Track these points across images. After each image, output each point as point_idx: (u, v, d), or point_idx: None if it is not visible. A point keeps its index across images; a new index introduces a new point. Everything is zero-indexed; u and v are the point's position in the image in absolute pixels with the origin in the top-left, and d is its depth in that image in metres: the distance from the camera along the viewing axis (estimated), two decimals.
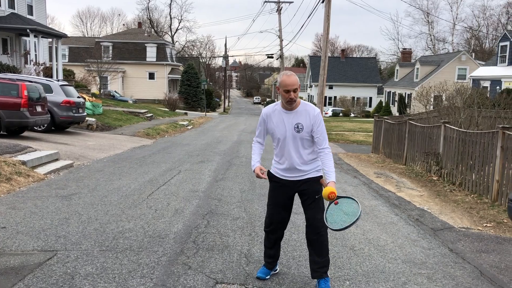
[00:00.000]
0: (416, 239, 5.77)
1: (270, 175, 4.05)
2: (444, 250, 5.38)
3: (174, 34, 76.04)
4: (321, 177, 3.91)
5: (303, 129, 3.79)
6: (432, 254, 5.19)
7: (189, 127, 24.87)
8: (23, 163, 8.52)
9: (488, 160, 8.31)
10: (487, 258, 5.18)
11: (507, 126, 8.18)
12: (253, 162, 4.01)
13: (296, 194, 3.99)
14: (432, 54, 58.40)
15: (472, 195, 8.50)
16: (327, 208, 3.68)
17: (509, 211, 4.87)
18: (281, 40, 42.14)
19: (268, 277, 4.13)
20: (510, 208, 4.78)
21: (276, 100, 67.50)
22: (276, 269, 4.27)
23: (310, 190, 3.86)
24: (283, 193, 3.96)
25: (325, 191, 3.62)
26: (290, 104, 3.78)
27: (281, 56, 43.30)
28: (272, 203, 4.02)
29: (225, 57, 62.53)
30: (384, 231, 6.02)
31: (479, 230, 6.43)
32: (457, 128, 9.97)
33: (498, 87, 26.18)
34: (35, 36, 22.32)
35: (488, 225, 6.67)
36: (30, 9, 24.40)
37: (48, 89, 14.21)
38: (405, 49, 57.19)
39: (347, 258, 4.84)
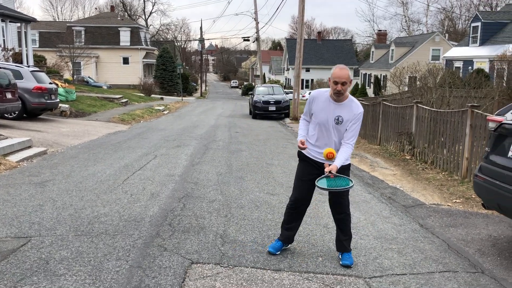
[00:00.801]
0: (388, 216, 5.94)
1: (301, 154, 4.26)
2: (415, 226, 5.56)
3: (148, 17, 74.82)
4: (349, 165, 4.15)
5: (343, 123, 3.98)
6: (403, 230, 5.36)
7: (165, 112, 24.67)
8: None
9: (458, 139, 8.55)
10: (455, 232, 5.38)
11: (476, 105, 8.41)
12: (298, 136, 4.27)
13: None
14: (407, 35, 58.98)
15: (443, 173, 8.74)
16: (322, 176, 3.91)
17: (475, 187, 5.05)
18: (257, 23, 41.92)
19: (278, 253, 4.34)
20: (476, 183, 4.96)
21: (254, 83, 67.35)
22: (288, 245, 4.48)
23: (337, 172, 4.03)
24: (311, 173, 4.16)
25: (325, 151, 3.94)
26: (337, 96, 3.94)
27: (257, 39, 43.12)
28: (299, 181, 4.25)
29: (201, 40, 61.88)
30: (357, 209, 6.17)
31: (449, 206, 6.65)
32: (428, 108, 10.18)
33: (470, 67, 26.70)
34: (2, 21, 21.62)
35: (457, 201, 6.90)
36: None
37: (18, 75, 13.86)
38: (380, 30, 57.58)
39: (320, 236, 4.96)
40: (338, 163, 3.91)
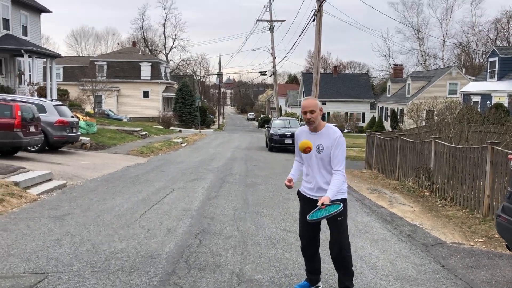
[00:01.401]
0: (407, 255, 5.81)
1: (299, 193, 4.36)
2: (436, 266, 5.42)
3: (169, 52, 76.61)
4: (345, 200, 4.10)
5: (323, 150, 4.05)
6: (424, 270, 5.22)
7: (183, 145, 24.90)
8: (16, 184, 8.51)
9: (478, 175, 8.40)
10: (478, 273, 5.22)
11: (496, 141, 8.30)
12: (289, 175, 4.34)
13: None
14: (423, 69, 59.05)
15: (464, 210, 8.56)
16: (314, 210, 3.87)
17: (498, 227, 4.92)
18: (274, 58, 42.57)
19: None
20: (499, 223, 4.84)
21: (270, 116, 67.80)
22: (319, 286, 4.40)
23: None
24: (308, 211, 4.10)
25: (300, 144, 4.05)
26: (309, 125, 4.09)
27: (274, 73, 43.67)
28: (302, 220, 4.27)
29: (219, 74, 62.92)
30: (376, 247, 6.06)
31: (471, 245, 6.48)
32: (447, 144, 10.08)
33: (488, 102, 26.49)
34: (29, 57, 22.41)
35: (479, 240, 6.72)
36: (25, 29, 24.55)
37: (42, 109, 14.24)
38: (397, 65, 57.78)
39: None
40: (330, 193, 3.90)
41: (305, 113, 4.07)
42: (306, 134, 4.20)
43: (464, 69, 48.71)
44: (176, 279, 4.49)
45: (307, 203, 4.20)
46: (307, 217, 3.88)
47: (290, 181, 4.22)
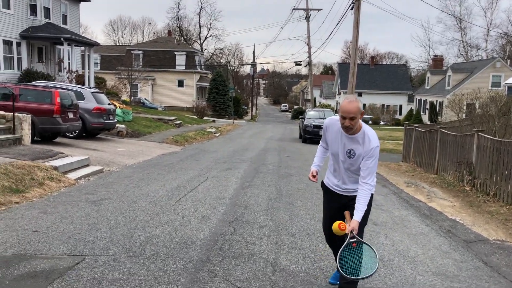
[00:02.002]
0: (448, 251, 5.59)
1: (323, 186, 4.07)
2: (478, 263, 5.19)
3: (203, 42, 76.97)
4: (372, 195, 3.77)
5: (354, 157, 3.67)
6: (465, 267, 5.01)
7: (217, 134, 25.01)
8: (55, 168, 8.72)
9: None
10: None
11: None
12: (312, 165, 4.05)
13: None
14: (465, 61, 57.09)
15: (508, 206, 8.19)
16: (344, 245, 3.48)
17: None
18: (310, 47, 42.07)
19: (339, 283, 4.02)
20: None
21: (304, 107, 67.29)
22: None
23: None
24: (334, 204, 3.95)
25: (334, 226, 3.55)
26: (346, 131, 3.64)
27: (309, 64, 43.22)
28: (326, 214, 4.06)
29: (253, 64, 62.83)
30: (415, 242, 5.86)
31: None
32: (491, 137, 9.65)
33: None
34: (68, 45, 22.96)
35: None
36: (64, 18, 25.14)
37: (80, 96, 14.55)
38: (437, 56, 56.08)
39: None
40: (358, 216, 3.53)
41: (344, 118, 3.55)
42: (338, 131, 3.73)
43: (509, 61, 46.74)
44: (210, 266, 4.46)
45: (332, 195, 3.94)
46: (338, 265, 3.44)
47: (314, 176, 3.90)
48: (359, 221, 3.53)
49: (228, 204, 7.27)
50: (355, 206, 3.60)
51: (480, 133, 10.04)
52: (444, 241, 6.02)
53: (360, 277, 3.41)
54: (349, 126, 3.56)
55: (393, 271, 4.71)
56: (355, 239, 3.47)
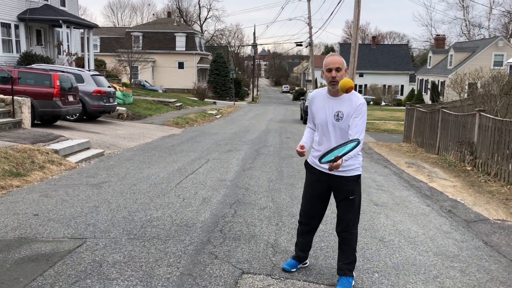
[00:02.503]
0: (448, 231, 5.60)
1: (307, 165, 3.91)
2: (478, 243, 5.20)
3: (203, 23, 76.24)
4: (359, 176, 3.70)
5: (343, 118, 3.55)
6: (466, 247, 5.02)
7: (218, 116, 24.95)
8: (56, 151, 8.71)
9: None
10: None
11: None
12: (300, 142, 3.85)
13: None
14: (467, 40, 56.52)
15: (508, 186, 8.18)
16: (326, 152, 3.40)
17: None
18: (311, 28, 41.63)
19: (294, 270, 4.01)
20: None
21: (305, 88, 66.99)
22: (306, 263, 4.14)
23: (345, 188, 3.67)
24: (318, 185, 3.81)
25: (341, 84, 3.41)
26: (333, 86, 3.55)
27: (310, 44, 42.83)
28: (306, 194, 3.92)
29: (254, 45, 62.33)
30: (415, 222, 5.87)
31: None
32: (493, 117, 9.60)
33: None
34: (67, 27, 22.74)
35: None
36: (62, 0, 24.85)
37: (80, 79, 14.47)
38: (439, 35, 55.48)
39: (376, 250, 4.73)
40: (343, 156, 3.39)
41: (329, 70, 3.50)
42: (323, 99, 3.67)
43: (511, 39, 46.26)
44: (211, 248, 4.48)
45: (316, 173, 3.76)
46: (319, 160, 3.38)
47: (302, 147, 3.69)
48: (342, 161, 3.36)
49: (229, 186, 7.27)
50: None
51: (481, 113, 9.99)
52: (444, 221, 6.03)
53: (341, 153, 3.31)
54: (336, 78, 3.51)
55: (393, 251, 4.73)
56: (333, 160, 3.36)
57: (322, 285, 3.80)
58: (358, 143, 3.38)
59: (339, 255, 3.83)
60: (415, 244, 5.00)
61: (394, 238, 5.16)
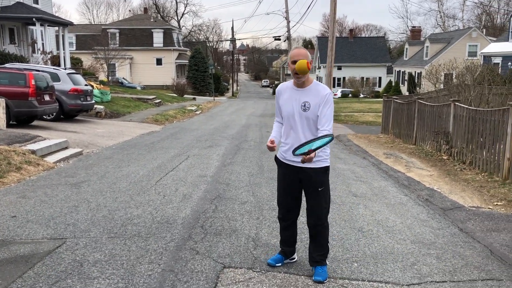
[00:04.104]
0: (425, 219, 5.73)
1: (276, 159, 3.97)
2: (454, 230, 5.34)
3: (180, 18, 75.64)
4: (327, 168, 3.76)
5: (310, 108, 3.63)
6: (442, 234, 5.15)
7: (198, 112, 24.86)
8: (33, 152, 8.58)
9: (499, 138, 8.20)
10: (498, 237, 5.14)
11: None
12: (270, 137, 3.87)
13: None
14: (442, 31, 57.39)
15: (483, 174, 8.41)
16: (300, 145, 3.47)
17: None
18: (288, 22, 41.67)
19: (280, 264, 4.04)
20: None
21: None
22: (294, 258, 4.16)
23: (313, 180, 3.73)
24: (288, 178, 3.86)
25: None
26: (297, 79, 3.64)
27: (288, 38, 42.89)
28: (280, 189, 3.97)
29: (232, 40, 62.13)
30: (393, 211, 5.99)
31: (490, 209, 6.37)
32: (467, 106, 9.82)
33: (510, 63, 25.69)
34: (41, 25, 22.30)
35: (498, 203, 6.61)
36: None
37: (56, 78, 14.24)
38: (414, 27, 56.16)
39: (355, 240, 4.82)
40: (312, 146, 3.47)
41: (294, 62, 3.58)
42: (290, 91, 3.75)
43: (484, 30, 47.17)
44: (192, 244, 4.50)
45: (285, 170, 3.83)
46: (293, 152, 3.44)
47: (272, 142, 3.72)
48: (315, 153, 3.44)
49: (209, 182, 7.28)
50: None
51: (456, 103, 10.21)
52: (422, 210, 6.17)
53: (318, 146, 3.40)
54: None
55: (372, 240, 4.82)
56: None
57: (302, 277, 3.86)
58: (332, 138, 3.47)
59: (312, 247, 3.88)
60: (393, 233, 5.11)
61: (372, 228, 5.26)
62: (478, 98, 11.69)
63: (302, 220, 5.31)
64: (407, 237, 5.00)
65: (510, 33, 28.39)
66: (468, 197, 7.03)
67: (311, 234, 3.89)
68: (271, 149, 3.73)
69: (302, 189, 3.89)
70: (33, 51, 23.79)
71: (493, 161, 8.28)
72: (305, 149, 3.40)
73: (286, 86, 3.84)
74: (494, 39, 36.15)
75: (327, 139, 3.44)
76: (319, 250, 3.84)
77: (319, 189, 3.73)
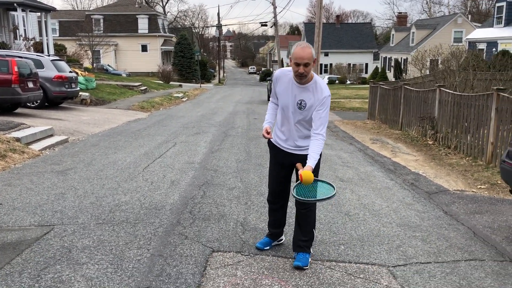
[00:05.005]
0: (411, 202, 5.83)
1: (270, 143, 3.95)
2: (439, 213, 5.45)
3: (166, 4, 74.63)
4: (319, 162, 3.75)
5: (305, 108, 3.60)
6: (427, 217, 5.25)
7: (184, 99, 24.71)
8: (17, 139, 8.47)
9: (483, 123, 8.32)
10: (481, 219, 5.25)
11: (502, 88, 8.16)
12: (264, 122, 3.86)
13: None
14: (428, 17, 57.62)
15: (467, 158, 8.54)
16: (297, 183, 3.50)
17: (503, 173, 4.89)
18: (275, 7, 41.48)
19: (268, 248, 4.08)
20: (503, 169, 4.81)
21: (271, 69, 66.92)
22: (282, 239, 4.20)
23: (305, 165, 3.67)
24: (281, 163, 3.87)
25: (301, 173, 3.48)
26: (299, 79, 3.55)
27: (275, 24, 42.70)
28: (272, 172, 3.98)
29: (219, 26, 61.60)
30: (379, 196, 6.07)
31: (473, 192, 6.49)
32: (452, 92, 9.93)
33: (494, 49, 25.95)
34: (23, 10, 21.84)
35: (482, 186, 6.74)
36: None
37: (39, 65, 14.01)
38: (401, 13, 56.30)
39: (342, 224, 4.89)
40: (312, 163, 3.48)
41: (297, 64, 3.46)
42: (288, 82, 3.65)
43: (469, 16, 47.47)
44: (181, 229, 4.52)
45: (280, 152, 3.83)
46: (292, 191, 3.41)
47: (268, 132, 3.70)
48: (313, 167, 3.49)
49: (197, 168, 7.29)
50: (308, 154, 3.56)
51: (441, 88, 10.31)
52: (407, 194, 6.26)
53: (317, 198, 3.42)
54: (303, 73, 3.50)
55: (358, 224, 4.90)
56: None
57: (290, 259, 3.91)
58: (334, 193, 3.44)
59: (297, 231, 3.86)
60: (379, 216, 5.19)
61: (359, 211, 5.34)
62: (463, 83, 11.82)
63: (290, 204, 5.36)
64: (393, 220, 5.09)
65: (495, 19, 28.62)
66: (453, 181, 7.15)
67: (297, 218, 3.87)
68: (268, 138, 3.73)
69: (293, 173, 3.91)
70: (15, 38, 23.30)
71: (477, 146, 8.42)
72: (304, 195, 3.43)
73: (285, 74, 3.71)
74: (479, 25, 36.42)
75: (329, 192, 3.45)
76: (304, 235, 3.80)
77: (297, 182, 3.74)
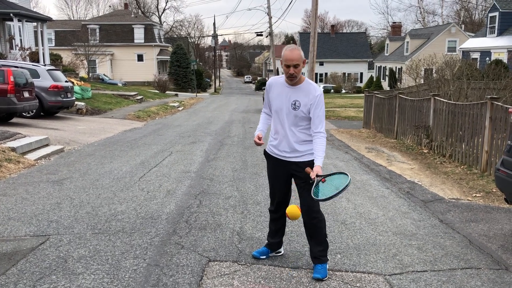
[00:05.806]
0: (406, 211, 5.84)
1: (265, 153, 3.99)
2: (434, 221, 5.46)
3: (162, 14, 74.98)
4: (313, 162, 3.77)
5: (300, 107, 3.67)
6: (423, 226, 5.26)
7: (180, 109, 24.73)
8: (13, 149, 8.45)
9: (477, 131, 8.38)
10: (476, 227, 5.27)
11: (496, 97, 8.23)
12: (256, 130, 3.92)
13: None
14: (422, 27, 58.11)
15: (462, 166, 8.59)
16: (314, 185, 3.57)
17: (497, 181, 4.93)
18: (270, 17, 41.74)
19: (264, 257, 4.07)
20: (498, 177, 4.84)
21: (267, 78, 67.15)
22: (280, 251, 4.19)
23: (304, 173, 3.75)
24: (278, 173, 3.89)
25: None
26: (290, 80, 3.67)
27: (270, 34, 42.93)
28: (270, 182, 4.00)
29: (214, 36, 61.86)
30: (375, 204, 6.09)
31: (469, 200, 6.52)
32: (446, 101, 10.00)
33: (487, 58, 26.20)
34: (19, 21, 21.87)
35: (477, 195, 6.77)
36: None
37: (35, 74, 14.01)
38: (395, 22, 56.80)
39: (339, 232, 4.90)
40: (319, 161, 3.59)
41: (287, 66, 3.59)
42: (281, 87, 3.75)
43: (463, 26, 47.94)
44: (177, 238, 4.51)
45: (275, 164, 3.87)
46: (313, 195, 3.48)
47: (259, 138, 3.76)
48: (320, 165, 3.58)
49: (193, 178, 7.29)
50: (314, 154, 3.67)
51: (436, 97, 10.38)
52: (403, 202, 6.28)
53: (338, 191, 3.46)
54: (294, 74, 3.61)
55: (354, 233, 4.90)
56: (322, 177, 3.56)
57: (287, 269, 3.91)
58: (349, 179, 3.53)
59: (311, 244, 3.87)
60: (375, 225, 5.20)
61: (355, 220, 5.35)
62: (457, 92, 11.91)
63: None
64: (389, 228, 5.10)
65: (488, 28, 28.91)
66: (448, 189, 7.18)
67: (307, 230, 3.87)
68: (258, 145, 3.77)
69: (292, 182, 3.93)
70: (11, 47, 23.29)
71: (472, 154, 8.46)
72: (324, 194, 3.50)
73: (277, 81, 3.84)
74: (473, 34, 36.76)
75: (345, 180, 3.52)
76: (318, 246, 3.82)
77: (310, 182, 3.74)
